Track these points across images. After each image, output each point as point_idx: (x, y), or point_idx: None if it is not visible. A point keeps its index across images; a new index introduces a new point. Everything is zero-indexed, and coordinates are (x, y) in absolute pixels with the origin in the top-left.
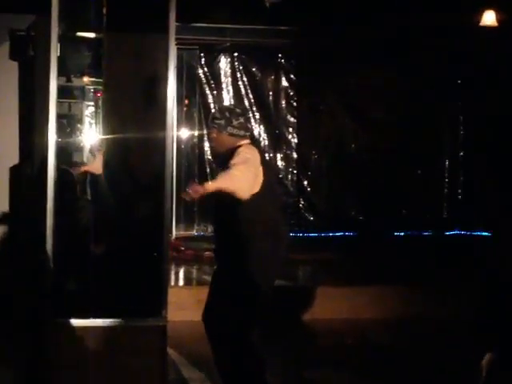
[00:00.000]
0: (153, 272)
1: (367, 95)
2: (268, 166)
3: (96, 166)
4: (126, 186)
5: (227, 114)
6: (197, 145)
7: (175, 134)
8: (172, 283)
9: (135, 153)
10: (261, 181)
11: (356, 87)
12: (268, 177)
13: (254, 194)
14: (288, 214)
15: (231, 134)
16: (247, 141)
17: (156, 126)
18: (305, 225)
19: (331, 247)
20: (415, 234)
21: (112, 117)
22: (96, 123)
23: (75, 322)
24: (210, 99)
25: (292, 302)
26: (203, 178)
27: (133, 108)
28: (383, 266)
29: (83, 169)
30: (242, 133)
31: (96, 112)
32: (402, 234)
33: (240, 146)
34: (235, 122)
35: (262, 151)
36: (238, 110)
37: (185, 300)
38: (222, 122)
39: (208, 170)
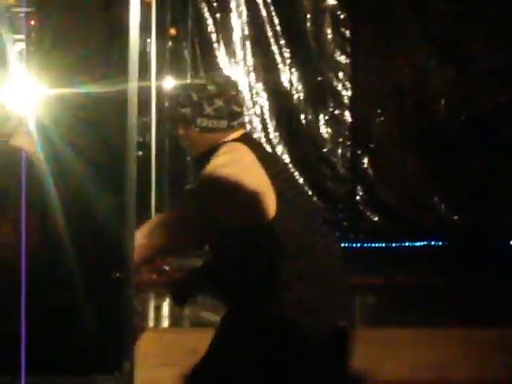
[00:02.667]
0: (110, 303)
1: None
2: (283, 171)
3: (26, 140)
4: (65, 170)
5: (194, 96)
6: None
7: (153, 86)
8: (150, 323)
9: (80, 118)
10: (273, 198)
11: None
12: (287, 187)
13: (263, 223)
14: (337, 212)
15: (204, 129)
16: (236, 134)
17: (113, 74)
18: (364, 229)
19: (406, 265)
20: None
21: (50, 59)
22: (28, 67)
23: None
24: (211, 27)
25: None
26: None
27: (79, 44)
28: (492, 293)
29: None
30: (222, 124)
31: (28, 50)
32: None
33: (219, 146)
34: (209, 109)
35: (260, 147)
36: (211, 88)
37: (171, 350)
38: (188, 110)
39: None
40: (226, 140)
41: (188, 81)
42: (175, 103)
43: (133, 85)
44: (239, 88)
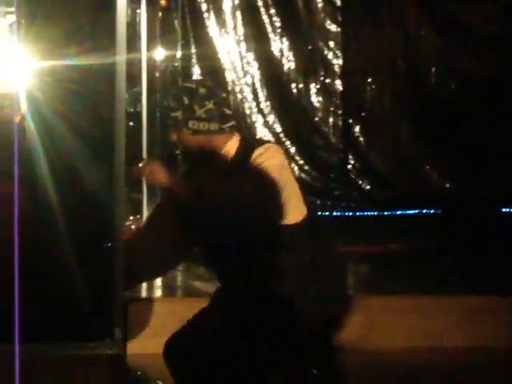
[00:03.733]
0: (99, 272)
1: None
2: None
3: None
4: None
5: (185, 100)
6: (180, 71)
7: (144, 57)
8: (143, 293)
9: (71, 90)
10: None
11: None
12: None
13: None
14: (329, 181)
15: (196, 132)
16: (235, 137)
17: (103, 46)
18: (357, 198)
19: (399, 233)
20: None
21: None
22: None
23: None
24: None
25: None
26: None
27: (70, 17)
28: (482, 262)
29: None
30: (213, 126)
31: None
32: None
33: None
34: (200, 112)
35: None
36: (202, 91)
37: (163, 320)
38: (179, 114)
39: None
40: (230, 143)
41: (178, 52)
42: (166, 109)
43: (121, 57)
44: (228, 90)
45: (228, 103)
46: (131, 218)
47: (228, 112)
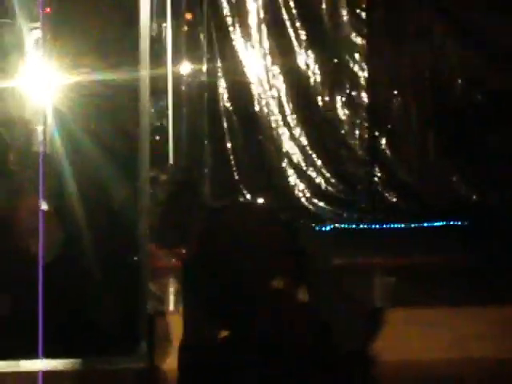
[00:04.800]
0: (125, 286)
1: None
2: None
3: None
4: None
5: None
6: (207, 86)
7: (170, 71)
8: (170, 307)
9: (96, 105)
10: None
11: None
12: None
13: None
14: (355, 194)
15: None
16: None
17: (128, 61)
18: (383, 210)
19: (425, 246)
20: None
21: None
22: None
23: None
24: (227, 11)
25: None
26: (217, 135)
27: (95, 32)
28: (509, 274)
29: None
30: None
31: (45, 39)
32: None
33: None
34: None
35: None
36: None
37: None
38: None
39: (225, 125)
40: None
41: (203, 66)
42: None
43: (144, 72)
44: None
45: None
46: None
47: None
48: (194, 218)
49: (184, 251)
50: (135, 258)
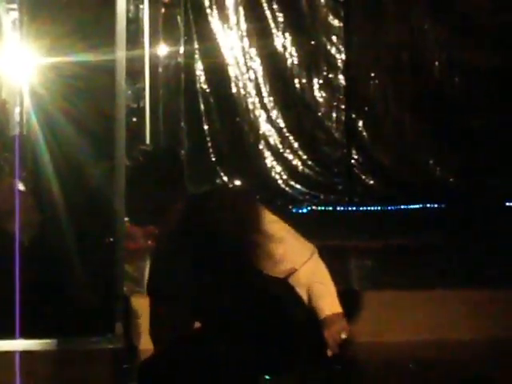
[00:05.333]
0: (100, 268)
1: None
2: None
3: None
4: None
5: None
6: (184, 68)
7: (147, 52)
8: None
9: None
10: None
11: None
12: None
13: None
14: (332, 176)
15: None
16: None
17: (105, 42)
18: (360, 193)
19: (402, 228)
20: None
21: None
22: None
23: None
24: None
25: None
26: (194, 117)
27: (72, 13)
28: (487, 255)
29: None
30: None
31: (22, 20)
32: None
33: None
34: None
35: None
36: None
37: None
38: None
39: (202, 107)
40: None
41: (181, 48)
42: None
43: (120, 53)
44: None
45: None
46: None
47: None
48: (170, 198)
49: (156, 232)
50: (110, 239)
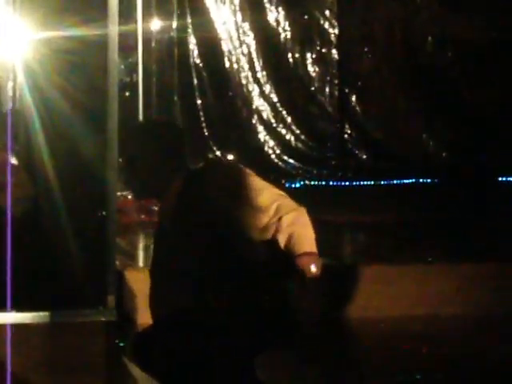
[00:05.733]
0: (93, 241)
1: None
2: None
3: None
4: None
5: None
6: (177, 42)
7: (140, 27)
8: (139, 263)
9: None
10: None
11: None
12: None
13: None
14: (325, 151)
15: None
16: None
17: (98, 17)
18: (353, 167)
19: (395, 203)
20: None
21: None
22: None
23: None
24: None
25: (335, 289)
26: (187, 92)
27: None
28: (479, 230)
29: None
30: None
31: None
32: None
33: None
34: None
35: None
36: None
37: None
38: None
39: (195, 81)
40: None
41: (174, 23)
42: None
43: (113, 28)
44: None
45: None
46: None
47: None
48: (172, 171)
49: (156, 206)
50: (103, 213)
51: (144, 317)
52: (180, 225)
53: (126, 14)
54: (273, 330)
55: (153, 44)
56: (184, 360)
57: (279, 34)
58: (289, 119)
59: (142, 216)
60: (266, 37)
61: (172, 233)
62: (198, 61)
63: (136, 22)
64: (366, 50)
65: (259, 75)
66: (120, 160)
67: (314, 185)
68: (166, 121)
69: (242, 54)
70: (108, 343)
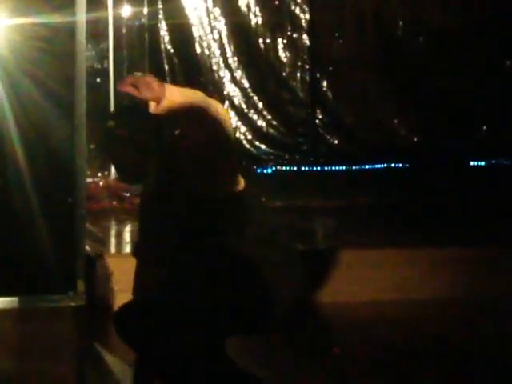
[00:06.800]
0: (61, 226)
1: None
2: None
3: None
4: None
5: None
6: (148, 28)
7: (110, 13)
8: (111, 250)
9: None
10: None
11: None
12: None
13: None
14: (297, 136)
15: None
16: None
17: (64, 3)
18: (325, 152)
19: (366, 188)
20: (503, 163)
21: None
22: None
23: None
24: None
25: (310, 275)
26: (158, 78)
27: None
28: (450, 215)
29: None
30: None
31: None
32: (483, 163)
33: None
34: None
35: None
36: None
37: (131, 276)
38: None
39: (166, 67)
40: None
41: (144, 9)
42: None
43: (80, 15)
44: None
45: None
46: (99, 174)
47: None
48: (149, 157)
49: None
50: (69, 200)
51: (116, 302)
52: (160, 208)
53: (97, 0)
54: (246, 316)
55: (123, 30)
56: (162, 335)
57: (250, 20)
58: (260, 105)
59: (114, 202)
60: (236, 22)
61: (154, 217)
62: (169, 47)
63: (106, 8)
64: (336, 35)
65: (230, 61)
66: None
67: (285, 170)
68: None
69: (213, 39)
70: (78, 328)
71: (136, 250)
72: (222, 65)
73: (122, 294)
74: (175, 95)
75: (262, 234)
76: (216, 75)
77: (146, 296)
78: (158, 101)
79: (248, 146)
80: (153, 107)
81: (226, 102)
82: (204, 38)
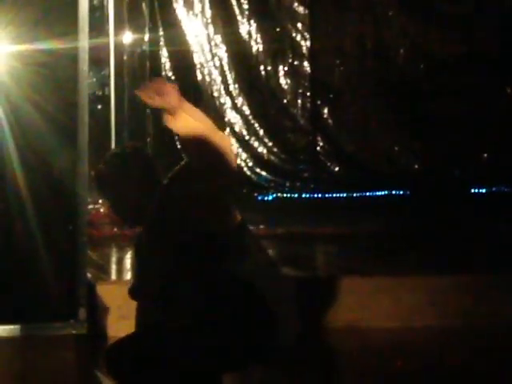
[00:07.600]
0: (63, 254)
1: None
2: None
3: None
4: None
5: None
6: (149, 55)
7: (112, 40)
8: (112, 276)
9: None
10: None
11: None
12: None
13: None
14: (298, 163)
15: None
16: None
17: (70, 31)
18: (326, 180)
19: (367, 215)
20: (504, 190)
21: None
22: None
23: None
24: None
25: (311, 302)
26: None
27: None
28: (451, 242)
29: None
30: None
31: None
32: (484, 191)
33: None
34: None
35: None
36: None
37: (132, 303)
38: None
39: None
40: None
41: (146, 36)
42: None
43: (83, 42)
44: None
45: None
46: (100, 201)
47: None
48: (149, 195)
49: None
50: (70, 227)
51: (116, 330)
52: (156, 243)
53: (98, 27)
54: (246, 352)
55: (125, 57)
56: (155, 372)
57: (251, 47)
58: (261, 132)
59: (115, 229)
60: (238, 49)
61: (150, 254)
62: (170, 73)
63: (108, 35)
64: (337, 62)
65: (231, 88)
66: (92, 173)
67: (286, 197)
68: (129, 151)
69: (214, 66)
70: (79, 356)
71: (131, 290)
72: (222, 92)
73: (124, 320)
74: (190, 111)
75: (264, 260)
76: (217, 102)
77: (141, 334)
78: (173, 112)
79: (249, 172)
80: (167, 119)
81: (227, 129)
82: (205, 65)
